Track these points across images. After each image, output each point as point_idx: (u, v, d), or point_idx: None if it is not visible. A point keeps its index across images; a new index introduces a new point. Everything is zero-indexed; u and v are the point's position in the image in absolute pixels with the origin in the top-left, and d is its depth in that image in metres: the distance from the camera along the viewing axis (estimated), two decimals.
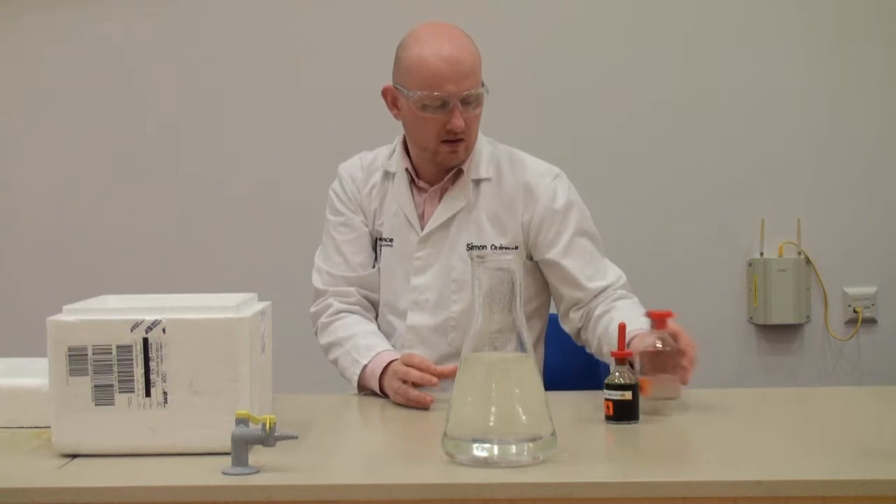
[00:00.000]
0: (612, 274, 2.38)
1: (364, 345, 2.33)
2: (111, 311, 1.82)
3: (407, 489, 1.64)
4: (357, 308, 2.43)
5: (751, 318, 3.43)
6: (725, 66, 3.39)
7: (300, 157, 3.41)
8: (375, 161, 2.48)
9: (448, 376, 2.12)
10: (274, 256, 3.39)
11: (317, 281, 2.46)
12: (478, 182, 2.39)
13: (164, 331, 1.76)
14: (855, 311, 3.41)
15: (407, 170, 2.41)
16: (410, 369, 2.16)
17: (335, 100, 3.40)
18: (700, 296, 3.39)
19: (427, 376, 2.14)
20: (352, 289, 2.43)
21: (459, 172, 2.38)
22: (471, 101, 2.28)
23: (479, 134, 2.42)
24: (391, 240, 2.42)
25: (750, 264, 3.42)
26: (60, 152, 3.44)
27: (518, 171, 2.40)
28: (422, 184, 2.41)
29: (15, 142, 3.45)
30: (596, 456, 1.82)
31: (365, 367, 2.29)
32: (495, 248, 2.34)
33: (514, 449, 1.70)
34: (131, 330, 1.77)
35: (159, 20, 3.41)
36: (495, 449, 1.69)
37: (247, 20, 3.41)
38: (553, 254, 2.36)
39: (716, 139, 3.40)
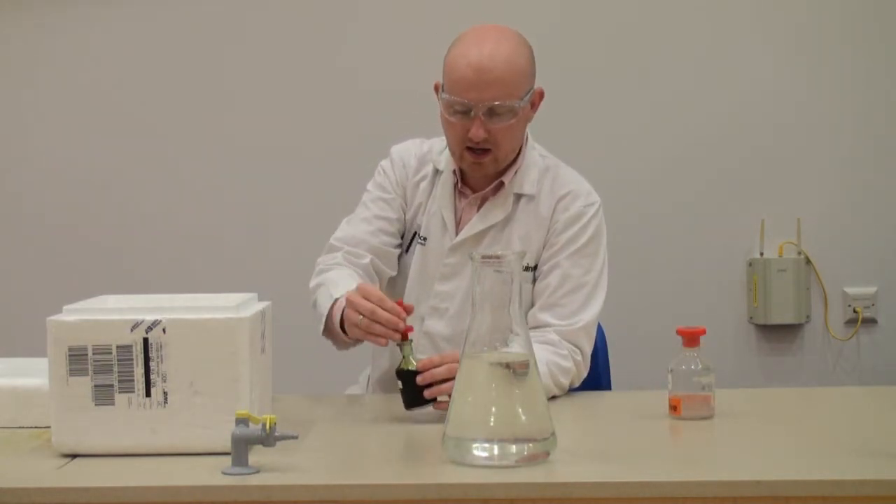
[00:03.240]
0: (567, 317, 2.26)
1: (344, 284, 2.20)
2: (111, 311, 1.82)
3: (407, 489, 1.64)
4: (360, 272, 2.30)
5: (751, 318, 3.43)
6: (726, 65, 3.39)
7: (301, 158, 3.41)
8: (430, 153, 2.41)
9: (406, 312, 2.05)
10: (274, 256, 3.39)
11: (335, 238, 2.38)
12: (519, 197, 2.32)
13: (164, 331, 1.76)
14: (855, 311, 3.41)
15: (455, 172, 2.35)
16: (377, 309, 2.02)
17: (336, 100, 3.39)
18: (700, 296, 3.39)
19: (395, 319, 2.02)
20: (367, 254, 2.34)
21: (502, 184, 2.32)
22: (499, 113, 2.20)
23: (533, 145, 2.36)
24: (425, 239, 2.37)
25: (750, 264, 3.42)
26: (61, 152, 3.44)
27: (556, 189, 2.33)
28: (465, 189, 2.35)
29: (15, 141, 3.45)
30: (596, 456, 1.82)
31: (336, 301, 2.17)
32: (525, 267, 2.27)
33: (514, 449, 1.70)
34: (131, 330, 1.77)
35: (161, 20, 3.41)
36: (495, 449, 1.69)
37: (249, 22, 3.41)
38: (539, 266, 2.32)
39: (716, 139, 3.40)
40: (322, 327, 2.23)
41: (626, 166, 3.39)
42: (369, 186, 2.44)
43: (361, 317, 2.04)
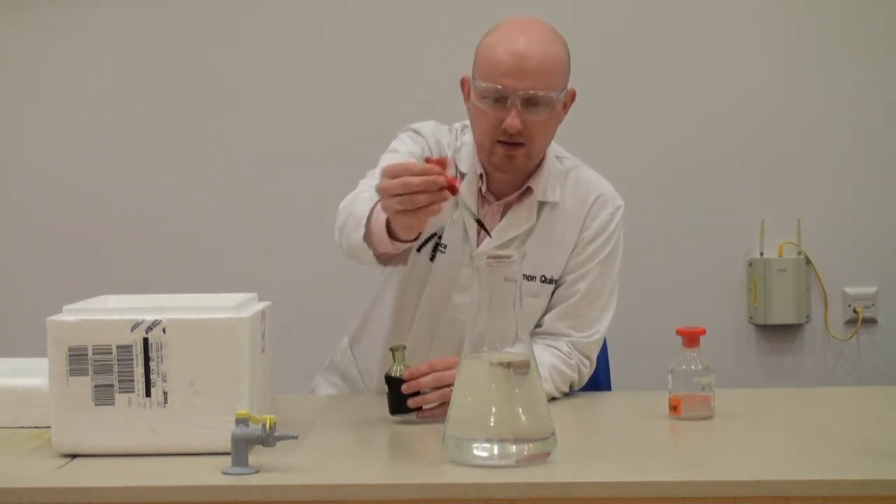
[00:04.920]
0: (585, 328, 2.23)
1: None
2: (111, 311, 1.82)
3: (407, 489, 1.64)
4: None
5: (751, 318, 3.43)
6: (726, 65, 3.39)
7: (301, 158, 3.40)
8: (456, 143, 2.26)
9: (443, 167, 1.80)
10: (274, 256, 3.39)
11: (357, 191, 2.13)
12: (543, 205, 2.23)
13: (164, 331, 1.76)
14: (855, 311, 3.41)
15: (481, 176, 2.22)
16: (408, 179, 1.75)
17: (337, 101, 3.39)
18: (700, 296, 3.38)
19: (432, 178, 1.76)
20: None
21: (528, 190, 2.22)
22: (537, 103, 2.09)
23: (550, 148, 2.25)
24: (446, 247, 2.24)
25: (750, 264, 3.42)
26: (60, 152, 3.43)
27: (581, 193, 2.26)
28: (489, 195, 2.23)
29: (15, 141, 3.45)
30: (596, 456, 1.82)
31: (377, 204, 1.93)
32: (545, 279, 2.23)
33: (514, 449, 1.70)
34: (131, 330, 1.77)
35: (161, 20, 3.41)
36: (495, 449, 1.69)
37: (248, 21, 3.41)
38: (564, 275, 2.25)
39: (716, 139, 3.40)
40: (363, 232, 1.99)
41: (626, 166, 3.37)
42: (393, 143, 2.25)
43: (399, 197, 1.77)
